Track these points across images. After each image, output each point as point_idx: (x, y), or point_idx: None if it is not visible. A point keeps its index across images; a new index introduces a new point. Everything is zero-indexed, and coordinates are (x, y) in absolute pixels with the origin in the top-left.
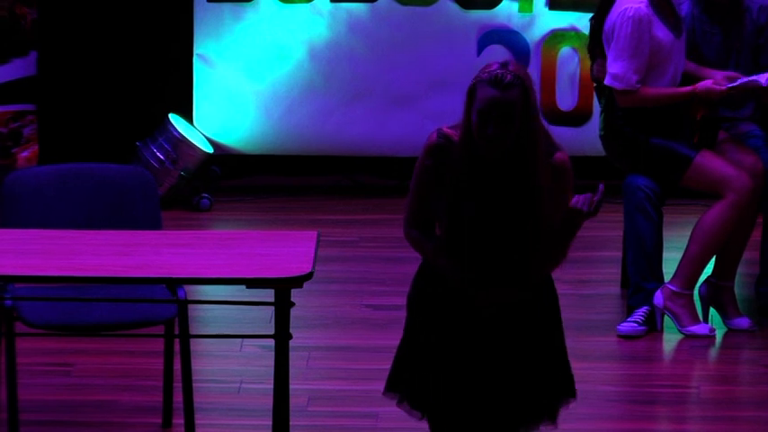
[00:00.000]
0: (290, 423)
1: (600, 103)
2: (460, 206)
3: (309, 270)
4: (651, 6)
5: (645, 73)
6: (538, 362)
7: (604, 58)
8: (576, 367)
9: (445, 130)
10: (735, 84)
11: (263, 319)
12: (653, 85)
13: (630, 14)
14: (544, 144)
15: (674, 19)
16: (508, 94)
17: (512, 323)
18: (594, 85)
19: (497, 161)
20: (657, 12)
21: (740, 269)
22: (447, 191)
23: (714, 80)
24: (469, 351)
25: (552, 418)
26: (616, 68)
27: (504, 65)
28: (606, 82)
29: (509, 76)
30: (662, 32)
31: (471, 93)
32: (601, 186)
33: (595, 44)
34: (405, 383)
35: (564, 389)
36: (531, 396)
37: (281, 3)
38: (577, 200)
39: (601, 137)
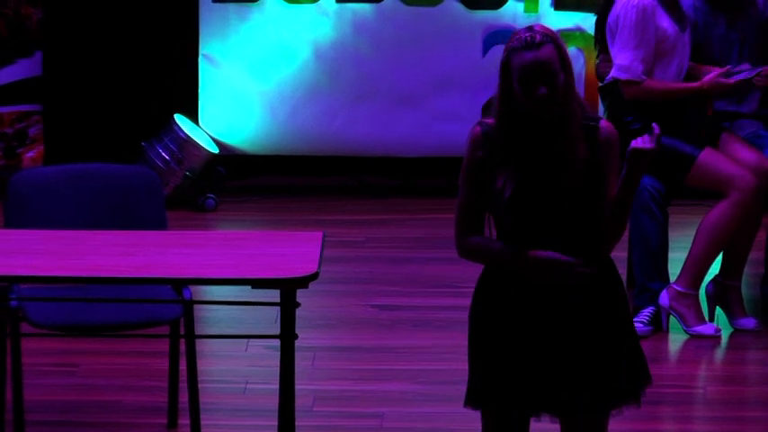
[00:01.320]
0: (296, 423)
1: (603, 102)
2: (515, 193)
3: (315, 270)
4: None
5: (651, 65)
6: (611, 346)
7: (608, 53)
8: None
9: (487, 120)
10: (742, 76)
11: (269, 319)
12: (658, 78)
13: (635, 3)
14: (582, 108)
15: (679, 13)
16: (543, 53)
17: (580, 311)
18: (599, 84)
19: (539, 134)
20: (662, 3)
21: (746, 269)
22: (489, 179)
23: (720, 73)
24: (540, 350)
25: (636, 400)
26: (622, 59)
27: (529, 28)
28: (612, 73)
29: (538, 36)
30: (666, 23)
31: (506, 66)
32: (655, 126)
33: (599, 39)
34: (485, 395)
35: (640, 370)
36: (608, 381)
37: (286, 3)
38: (636, 142)
39: None
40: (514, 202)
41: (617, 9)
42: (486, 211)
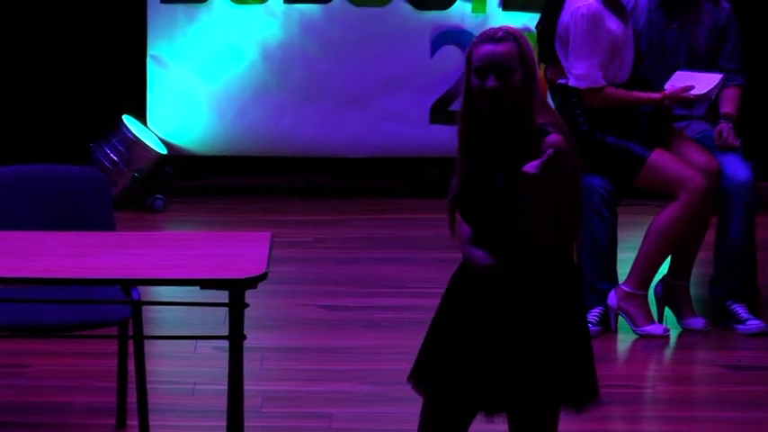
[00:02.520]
0: (245, 424)
1: (553, 101)
2: (460, 189)
3: (263, 271)
4: (601, 1)
5: (607, 68)
6: (559, 348)
7: (557, 61)
8: None
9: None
10: (702, 92)
11: (217, 320)
12: (613, 78)
13: (584, 12)
14: (542, 112)
15: (621, 8)
16: (502, 47)
17: (531, 312)
18: (549, 87)
19: (495, 131)
20: (607, 5)
21: (695, 269)
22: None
23: (682, 89)
24: (488, 347)
25: (580, 404)
26: (579, 68)
27: (498, 27)
28: (571, 83)
29: (501, 32)
30: (614, 24)
31: (468, 59)
32: (549, 151)
33: (545, 48)
34: (423, 372)
35: (589, 376)
36: (553, 382)
37: (234, 4)
38: (529, 166)
39: None
40: (460, 197)
41: (565, 18)
42: None
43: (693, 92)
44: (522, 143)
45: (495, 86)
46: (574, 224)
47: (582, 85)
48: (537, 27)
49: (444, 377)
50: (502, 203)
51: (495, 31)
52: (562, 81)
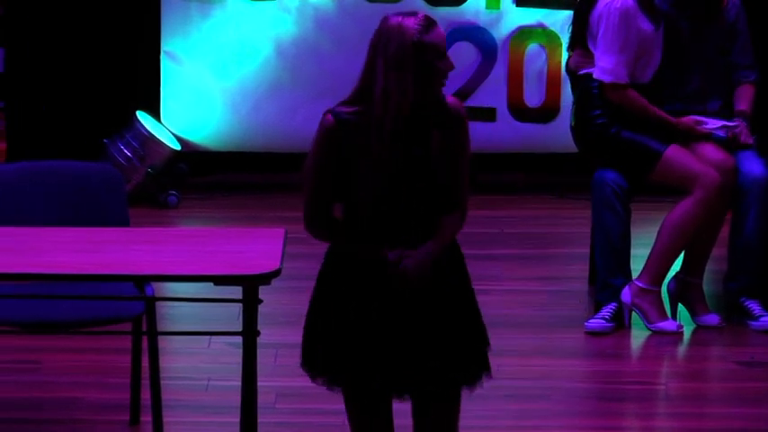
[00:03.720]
0: (258, 420)
1: (573, 93)
2: (371, 179)
3: (277, 267)
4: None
5: (633, 67)
6: (455, 328)
7: (584, 48)
8: (544, 364)
9: (338, 109)
10: (715, 133)
11: (231, 316)
12: (636, 78)
13: (618, 6)
14: None
15: (654, 10)
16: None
17: (427, 292)
18: (570, 76)
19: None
20: (641, 4)
21: (708, 266)
22: (357, 167)
23: (696, 120)
24: (388, 320)
25: (474, 381)
26: (606, 62)
27: (407, 14)
28: (595, 75)
29: (421, 14)
30: (645, 24)
31: (418, 53)
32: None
33: (577, 32)
34: (321, 358)
35: (483, 353)
36: (443, 363)
37: (248, 0)
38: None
39: (571, 128)
40: (376, 189)
41: (599, 8)
42: (337, 196)
43: (707, 126)
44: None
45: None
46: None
47: (606, 79)
48: (576, 8)
49: (362, 364)
50: (420, 190)
51: (415, 13)
52: (587, 70)
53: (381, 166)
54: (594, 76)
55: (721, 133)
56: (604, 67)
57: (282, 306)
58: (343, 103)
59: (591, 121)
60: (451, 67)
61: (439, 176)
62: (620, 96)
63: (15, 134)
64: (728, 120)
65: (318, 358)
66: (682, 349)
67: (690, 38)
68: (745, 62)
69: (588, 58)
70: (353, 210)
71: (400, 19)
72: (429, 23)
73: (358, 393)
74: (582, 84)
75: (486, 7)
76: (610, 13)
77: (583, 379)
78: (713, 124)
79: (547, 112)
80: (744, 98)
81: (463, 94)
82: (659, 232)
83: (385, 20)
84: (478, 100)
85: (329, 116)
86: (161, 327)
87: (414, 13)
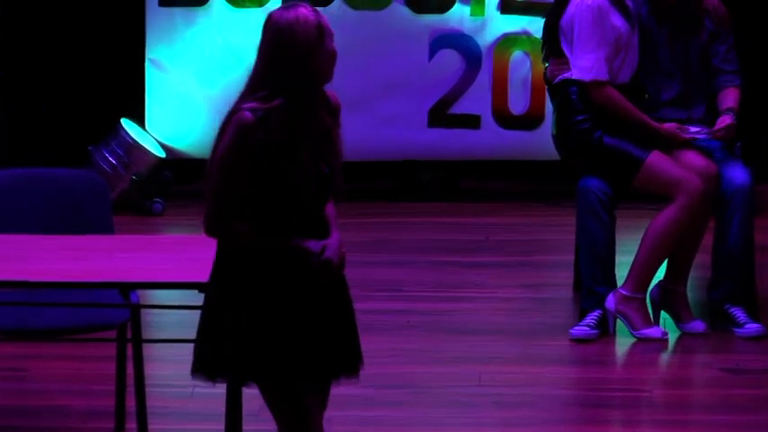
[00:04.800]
0: (243, 428)
1: (552, 102)
2: (290, 172)
3: None
4: None
5: (612, 65)
6: (343, 322)
7: (559, 56)
8: (529, 371)
9: (249, 105)
10: (698, 136)
11: None
12: (614, 77)
13: (589, 3)
14: None
15: (627, 11)
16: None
17: (339, 282)
18: (548, 86)
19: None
20: (612, 2)
21: (692, 273)
22: (274, 162)
23: (678, 126)
24: (308, 311)
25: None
26: (584, 60)
27: (287, 7)
28: (575, 76)
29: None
30: (619, 22)
31: (319, 34)
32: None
33: (549, 42)
34: (232, 356)
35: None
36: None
37: (232, 7)
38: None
39: (553, 136)
40: (308, 180)
41: (571, 10)
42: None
43: (690, 132)
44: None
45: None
46: None
47: (586, 77)
48: (546, 21)
49: (290, 356)
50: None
51: (297, 3)
52: (564, 76)
53: (305, 157)
54: (574, 77)
55: (703, 136)
56: (583, 65)
57: None
58: (254, 100)
59: (573, 127)
60: (335, 53)
61: (338, 164)
62: (601, 95)
63: None
64: (712, 126)
65: (227, 357)
66: (666, 356)
67: (671, 45)
68: (728, 68)
69: (563, 65)
70: (264, 205)
71: (295, 11)
72: (316, 11)
73: (287, 384)
74: (560, 91)
75: (471, 14)
76: (582, 12)
77: (568, 386)
78: (695, 128)
79: (531, 120)
80: (729, 98)
81: (448, 101)
82: (643, 239)
83: (277, 15)
84: (463, 107)
85: (246, 113)
86: (146, 334)
87: (299, 4)
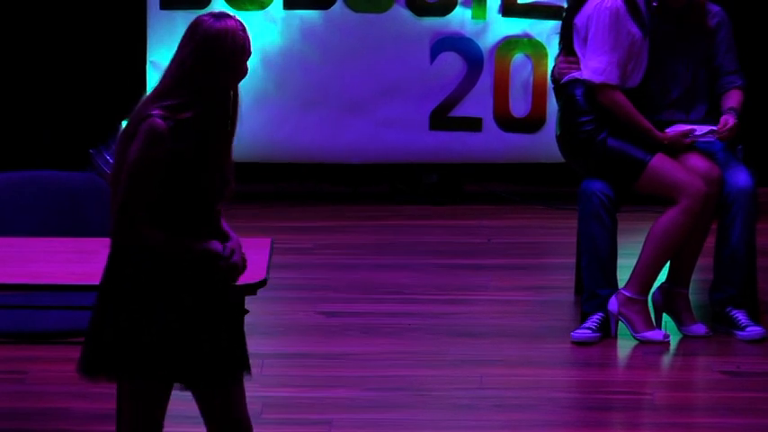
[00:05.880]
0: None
1: (557, 102)
2: (202, 177)
3: (263, 277)
4: (624, 1)
5: (624, 70)
6: (224, 322)
7: (569, 54)
8: (530, 374)
9: (162, 112)
10: (701, 139)
11: None
12: (626, 82)
13: (608, 5)
14: None
15: (642, 17)
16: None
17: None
18: (554, 85)
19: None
20: (629, 8)
21: (694, 276)
22: (188, 167)
23: (681, 133)
24: (205, 311)
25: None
26: (597, 62)
27: (217, 16)
28: (585, 77)
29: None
30: (634, 28)
31: (241, 52)
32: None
33: (563, 39)
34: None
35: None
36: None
37: (233, 10)
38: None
39: (557, 137)
40: (207, 190)
41: (587, 10)
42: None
43: (696, 133)
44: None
45: None
46: None
47: (597, 79)
48: (564, 17)
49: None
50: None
51: (227, 14)
52: (572, 75)
53: (213, 166)
54: (584, 77)
55: (709, 138)
56: (595, 67)
57: (268, 316)
58: (167, 108)
59: (578, 127)
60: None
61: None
62: (609, 99)
63: (0, 144)
64: (715, 125)
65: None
66: (668, 359)
67: (673, 47)
68: (730, 68)
69: (572, 64)
70: (173, 210)
71: (225, 22)
72: (243, 27)
73: (159, 385)
74: (566, 92)
75: (472, 17)
76: (600, 14)
77: (569, 389)
78: (701, 130)
79: (533, 122)
80: (732, 99)
81: (449, 104)
82: (645, 241)
83: (207, 23)
84: (464, 110)
85: (158, 121)
86: None
87: (227, 15)
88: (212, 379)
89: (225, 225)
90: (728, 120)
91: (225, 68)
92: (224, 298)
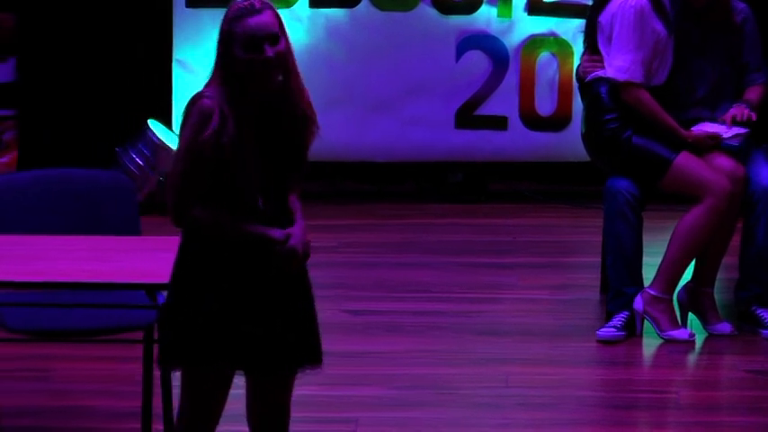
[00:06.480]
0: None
1: (582, 100)
2: (245, 163)
3: None
4: (650, 0)
5: (649, 69)
6: (298, 313)
7: (593, 53)
8: (555, 372)
9: (208, 92)
10: (725, 138)
11: None
12: (650, 80)
13: (633, 4)
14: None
15: (667, 15)
16: (265, 16)
17: (274, 277)
18: (579, 83)
19: (268, 98)
20: (654, 6)
21: (719, 274)
22: (228, 152)
23: (709, 135)
24: (265, 299)
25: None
26: (621, 60)
27: (249, 1)
28: (609, 74)
29: (257, 4)
30: (659, 26)
31: (227, 37)
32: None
33: (588, 37)
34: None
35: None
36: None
37: None
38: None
39: (582, 135)
40: (250, 170)
41: (612, 8)
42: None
43: (722, 136)
44: (300, 103)
45: (273, 55)
46: None
47: (621, 77)
48: (588, 15)
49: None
50: (287, 166)
51: (251, 3)
52: (596, 74)
53: (246, 150)
54: (608, 75)
55: (734, 142)
56: (620, 65)
57: None
58: (208, 87)
59: (603, 125)
60: (260, 59)
61: (301, 155)
62: (633, 97)
63: (27, 142)
64: (741, 126)
65: (193, 346)
66: (693, 358)
67: (698, 45)
68: (755, 65)
69: (596, 63)
70: (223, 194)
71: (249, 2)
72: (248, 10)
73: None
74: (591, 90)
75: (498, 16)
76: (625, 12)
77: (594, 387)
78: (726, 133)
79: (558, 121)
80: (753, 93)
81: (474, 102)
82: (671, 240)
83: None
84: (490, 108)
85: (206, 101)
86: None
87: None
88: (262, 367)
89: (297, 211)
90: (740, 108)
91: (220, 52)
92: (283, 285)
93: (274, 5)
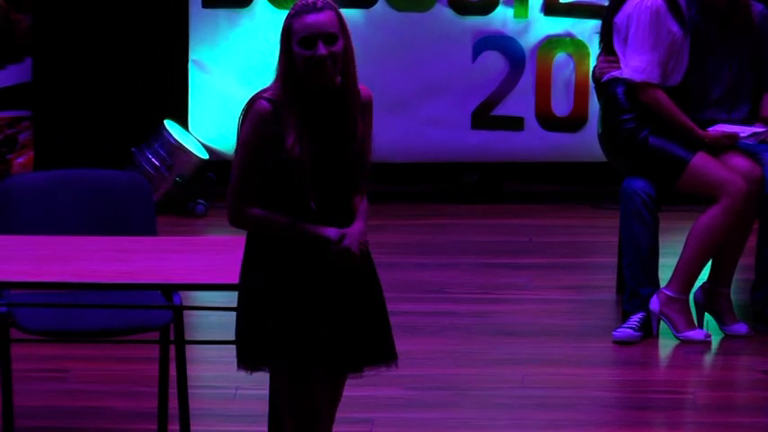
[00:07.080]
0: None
1: (599, 100)
2: (300, 162)
3: None
4: (665, 1)
5: (665, 69)
6: (373, 311)
7: (609, 54)
8: (571, 373)
9: (265, 95)
10: (742, 137)
11: None
12: (667, 80)
13: (649, 4)
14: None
15: (682, 16)
16: (324, 15)
17: (362, 270)
18: (595, 84)
19: (325, 97)
20: (670, 6)
21: (736, 275)
22: (285, 152)
23: (726, 135)
24: (332, 298)
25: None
26: (638, 61)
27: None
28: (625, 75)
29: (319, 2)
30: (675, 27)
31: (287, 33)
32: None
33: (604, 38)
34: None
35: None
36: (375, 341)
37: (276, 9)
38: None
39: (599, 135)
40: (305, 170)
41: (628, 9)
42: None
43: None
44: (356, 104)
45: (326, 54)
46: None
47: (637, 77)
48: (605, 16)
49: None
50: (347, 168)
51: (314, 1)
52: (612, 74)
53: (304, 148)
54: (625, 75)
55: (751, 141)
56: (636, 65)
57: None
58: (269, 90)
59: (619, 125)
60: (314, 57)
61: (360, 157)
62: (649, 97)
63: (43, 143)
64: (756, 126)
65: (267, 346)
66: (709, 358)
67: (716, 46)
68: None
69: (613, 63)
70: (278, 194)
71: (306, 2)
72: (308, 7)
73: (298, 373)
74: (607, 90)
75: (514, 16)
76: (641, 13)
77: (610, 388)
78: (743, 133)
79: (574, 122)
80: None
81: (491, 103)
82: (687, 240)
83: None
84: (506, 109)
85: (263, 102)
86: (188, 335)
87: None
88: (345, 366)
89: (360, 212)
90: (765, 132)
91: (282, 49)
92: (350, 284)
93: (290, 6)
